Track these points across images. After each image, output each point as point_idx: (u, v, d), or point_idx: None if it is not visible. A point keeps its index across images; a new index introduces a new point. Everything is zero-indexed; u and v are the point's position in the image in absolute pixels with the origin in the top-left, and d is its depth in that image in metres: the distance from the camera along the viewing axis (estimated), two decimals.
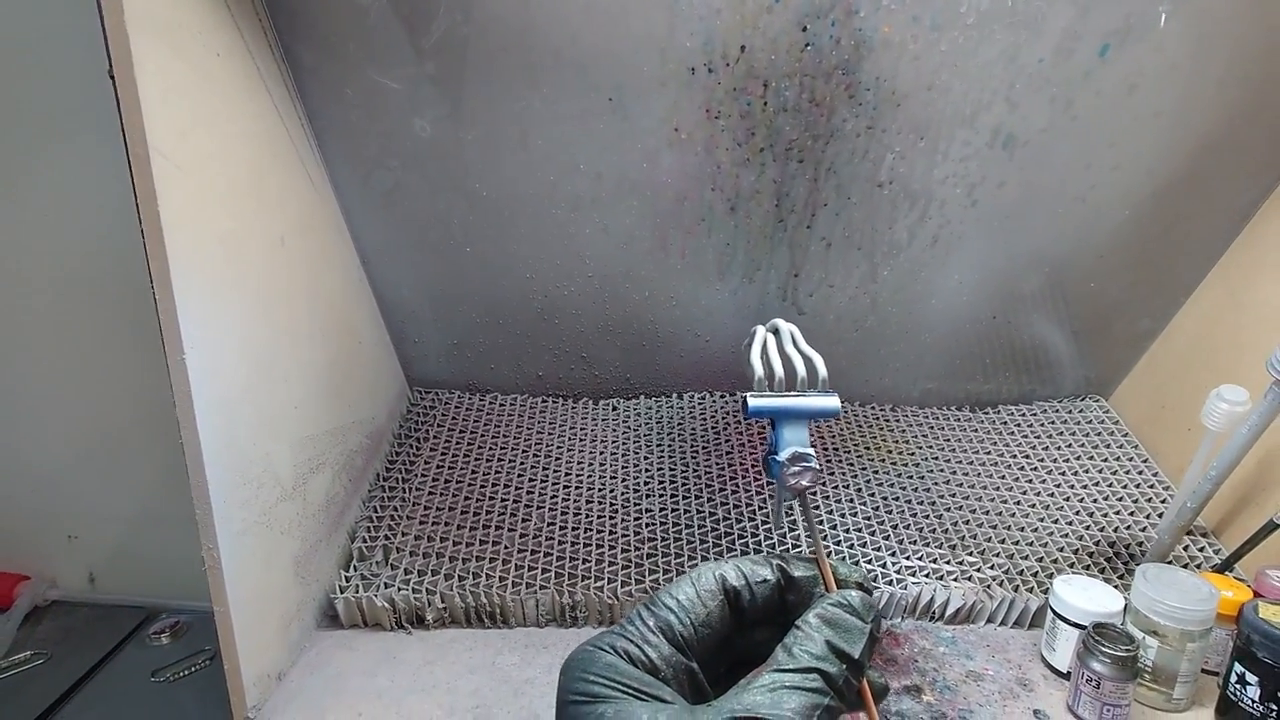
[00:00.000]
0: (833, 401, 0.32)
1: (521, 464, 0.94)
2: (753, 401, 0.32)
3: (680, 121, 0.74)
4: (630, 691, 0.25)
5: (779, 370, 0.32)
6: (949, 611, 0.76)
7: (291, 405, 0.72)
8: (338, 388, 0.81)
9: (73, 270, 0.98)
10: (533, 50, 0.70)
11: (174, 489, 0.59)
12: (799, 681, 0.25)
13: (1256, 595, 0.66)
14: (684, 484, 0.91)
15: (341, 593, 0.75)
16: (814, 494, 0.29)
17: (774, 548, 0.80)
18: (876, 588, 0.75)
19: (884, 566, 0.79)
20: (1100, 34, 0.69)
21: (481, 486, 0.90)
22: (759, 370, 0.33)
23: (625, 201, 0.81)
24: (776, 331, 0.35)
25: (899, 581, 0.77)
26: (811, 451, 0.32)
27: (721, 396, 1.04)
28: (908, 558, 0.80)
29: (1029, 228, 0.84)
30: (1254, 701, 0.60)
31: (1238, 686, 0.62)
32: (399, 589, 0.75)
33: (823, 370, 0.32)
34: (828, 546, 0.81)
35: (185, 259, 0.54)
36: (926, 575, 0.78)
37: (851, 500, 0.88)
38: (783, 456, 0.31)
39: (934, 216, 0.82)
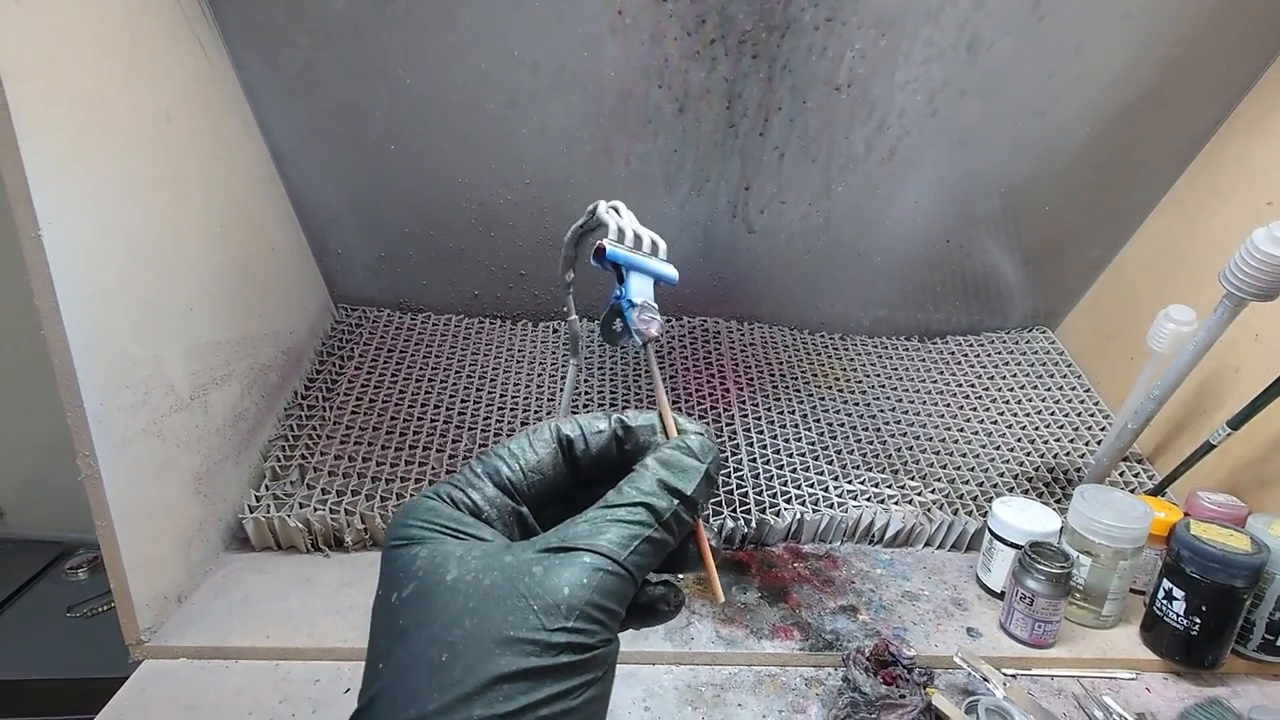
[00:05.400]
0: (674, 271, 0.34)
1: (454, 385, 0.88)
2: (611, 248, 0.33)
3: (624, 2, 0.67)
4: (446, 531, 0.25)
5: (631, 232, 0.34)
6: (889, 534, 0.75)
7: (186, 306, 0.65)
8: (244, 294, 0.74)
9: None
10: None
11: None
12: (622, 515, 0.25)
13: (1187, 516, 0.66)
14: (624, 408, 0.87)
15: (251, 512, 0.70)
16: (659, 347, 0.29)
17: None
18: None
19: (826, 490, 0.77)
20: None
21: (409, 407, 0.85)
22: (613, 224, 0.34)
23: (565, 97, 0.75)
24: (616, 210, 0.37)
25: (840, 505, 0.75)
26: (655, 304, 0.33)
27: (668, 320, 1.00)
28: (850, 482, 0.78)
29: (988, 143, 0.80)
30: (1179, 616, 0.61)
31: (1164, 602, 0.62)
32: (315, 509, 0.70)
33: (665, 245, 0.35)
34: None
35: (33, 116, 0.47)
36: (868, 499, 0.76)
37: (797, 426, 0.86)
38: (637, 300, 0.32)
39: (892, 126, 0.77)
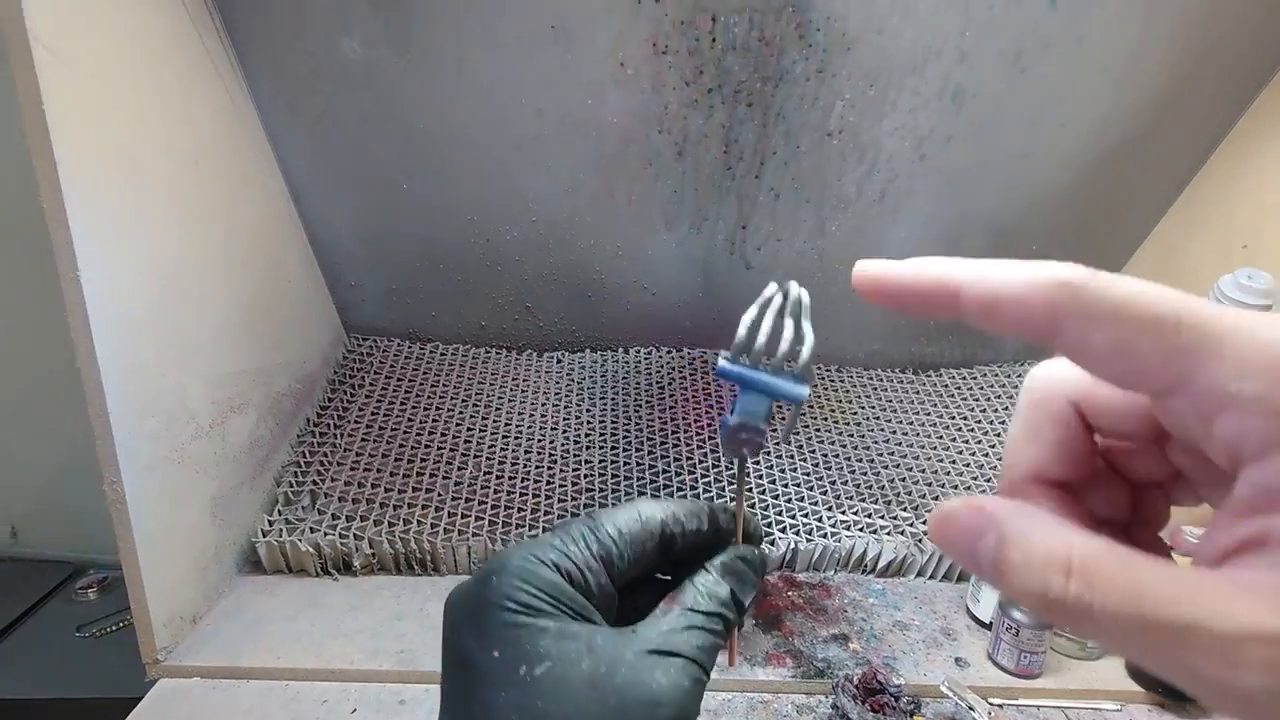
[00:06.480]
0: (800, 390, 0.30)
1: (460, 414, 0.91)
2: (722, 363, 0.32)
3: (626, 55, 0.71)
4: (570, 613, 0.27)
5: (761, 340, 0.31)
6: (880, 564, 0.77)
7: (208, 338, 0.68)
8: (262, 326, 0.77)
9: None
10: None
11: None
12: (705, 623, 0.28)
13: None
14: (625, 437, 0.89)
15: (264, 536, 0.72)
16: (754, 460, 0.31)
17: (712, 498, 0.80)
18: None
19: (819, 520, 0.79)
20: None
21: (417, 435, 0.87)
22: (741, 333, 0.31)
23: (569, 141, 0.79)
24: (786, 294, 0.33)
25: (833, 535, 0.77)
26: (763, 426, 0.31)
27: (668, 351, 1.03)
28: (843, 512, 0.80)
29: (975, 187, 0.83)
30: None
31: None
32: (325, 534, 0.73)
33: (806, 354, 0.30)
34: (750, 500, 0.81)
35: (77, 164, 0.50)
36: (860, 529, 0.78)
37: (791, 457, 0.88)
38: (731, 422, 0.31)
39: (882, 170, 0.81)
